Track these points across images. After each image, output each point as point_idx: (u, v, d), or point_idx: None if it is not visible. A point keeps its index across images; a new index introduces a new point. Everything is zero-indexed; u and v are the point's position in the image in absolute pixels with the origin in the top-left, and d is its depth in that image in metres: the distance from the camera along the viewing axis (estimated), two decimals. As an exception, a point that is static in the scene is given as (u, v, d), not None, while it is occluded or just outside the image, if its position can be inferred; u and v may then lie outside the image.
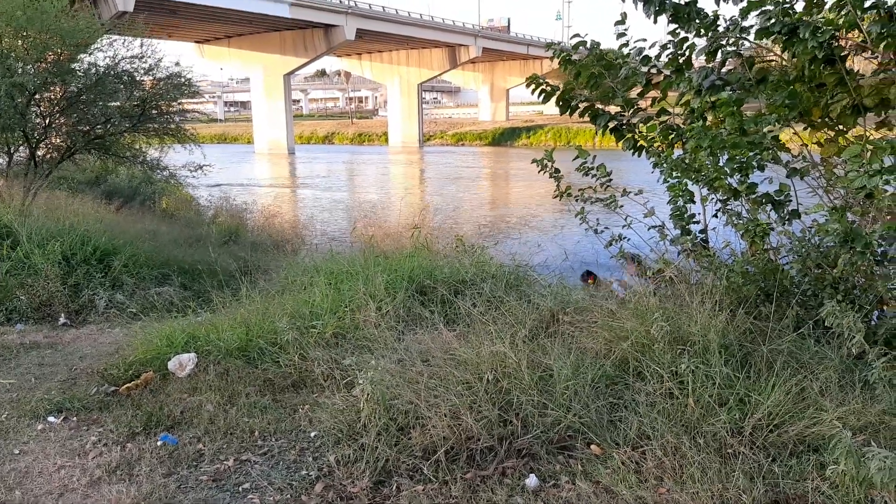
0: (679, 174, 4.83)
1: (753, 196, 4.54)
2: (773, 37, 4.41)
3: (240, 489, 2.74)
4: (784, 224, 4.45)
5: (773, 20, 4.31)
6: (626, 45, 5.12)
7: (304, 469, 2.88)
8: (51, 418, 3.37)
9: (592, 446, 2.95)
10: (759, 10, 4.37)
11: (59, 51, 9.51)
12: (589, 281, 6.49)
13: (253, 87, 57.27)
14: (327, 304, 4.62)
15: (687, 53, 4.87)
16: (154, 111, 10.31)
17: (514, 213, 20.01)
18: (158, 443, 3.08)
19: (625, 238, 5.22)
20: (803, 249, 4.10)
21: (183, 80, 10.60)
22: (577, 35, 5.43)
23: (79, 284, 5.75)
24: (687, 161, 4.76)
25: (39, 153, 10.02)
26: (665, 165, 4.93)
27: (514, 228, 15.54)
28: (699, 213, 4.97)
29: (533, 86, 5.90)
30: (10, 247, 6.05)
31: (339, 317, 4.39)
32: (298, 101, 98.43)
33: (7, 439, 3.14)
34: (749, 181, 4.52)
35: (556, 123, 63.59)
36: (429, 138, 67.30)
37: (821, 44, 4.14)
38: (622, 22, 5.10)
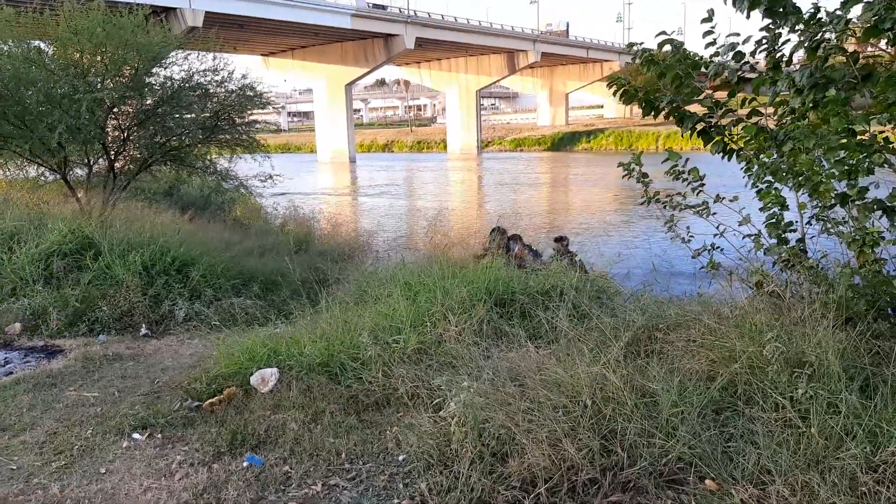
0: (775, 178, 4.51)
1: (863, 202, 4.19)
2: (881, 34, 4.05)
3: (329, 517, 2.60)
4: (896, 232, 4.08)
5: (878, 16, 3.95)
6: (713, 43, 4.82)
7: (396, 497, 2.73)
8: (136, 435, 3.33)
9: (707, 481, 2.70)
10: (861, 2, 4.02)
11: (136, 65, 9.76)
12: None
13: (316, 97, 58.42)
14: (407, 317, 4.48)
15: (785, 50, 4.55)
16: (226, 123, 10.47)
17: (578, 220, 19.59)
18: (244, 464, 2.99)
19: (718, 248, 4.92)
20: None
21: (253, 92, 10.73)
22: (663, 32, 5.14)
23: (159, 295, 5.81)
24: (785, 164, 4.44)
25: (118, 165, 10.29)
26: (759, 169, 4.62)
27: (581, 235, 15.15)
28: (796, 222, 4.63)
29: (615, 87, 5.63)
30: (93, 258, 6.16)
31: (419, 331, 4.25)
32: (359, 110, 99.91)
33: (93, 458, 3.11)
34: (859, 185, 4.18)
35: (618, 127, 62.50)
36: (487, 144, 67.19)
37: (942, 37, 3.77)
38: (709, 19, 4.81)
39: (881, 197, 4.13)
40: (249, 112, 11.30)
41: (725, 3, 4.63)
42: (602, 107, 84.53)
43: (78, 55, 9.53)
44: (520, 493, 2.65)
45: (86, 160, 10.31)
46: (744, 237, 4.81)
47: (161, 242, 6.43)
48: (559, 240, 7.84)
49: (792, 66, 4.65)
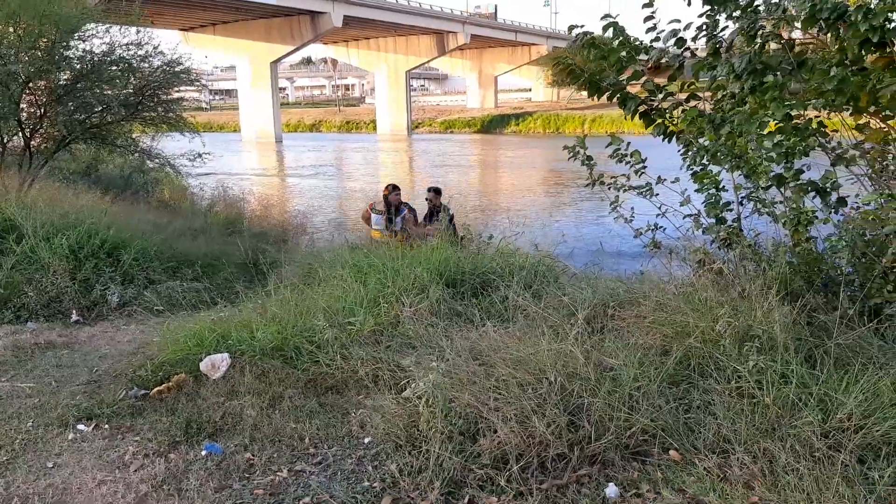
0: (713, 161, 4.69)
1: (798, 183, 4.40)
2: (818, 23, 4.23)
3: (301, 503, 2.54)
4: (830, 213, 4.31)
5: (818, 6, 4.12)
6: (654, 28, 4.93)
7: (366, 480, 2.69)
8: (80, 426, 3.14)
9: (671, 452, 2.78)
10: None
11: (52, 37, 9.15)
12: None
13: (239, 75, 56.50)
14: (359, 298, 4.41)
15: (724, 35, 4.70)
16: (151, 99, 9.98)
17: (515, 202, 19.81)
18: (203, 452, 2.87)
19: (661, 227, 5.07)
20: (851, 238, 3.95)
21: (181, 67, 10.27)
22: (608, 15, 5.22)
23: (88, 280, 5.50)
24: (725, 147, 4.61)
25: (34, 143, 9.66)
26: (698, 152, 4.79)
27: (519, 217, 15.30)
28: (732, 202, 4.82)
29: (561, 65, 5.67)
30: (15, 241, 5.77)
31: (373, 313, 4.19)
32: (284, 88, 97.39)
33: (37, 451, 2.92)
34: (794, 168, 4.38)
35: (546, 111, 63.42)
36: (417, 126, 66.89)
37: (873, 27, 3.97)
38: (650, 4, 4.90)
39: (814, 179, 4.35)
40: (175, 88, 10.82)
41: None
42: (530, 90, 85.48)
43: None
44: (491, 471, 2.66)
45: (-2, 138, 9.63)
46: (684, 217, 4.98)
47: (88, 224, 6.07)
48: (433, 190, 7.58)
49: (731, 52, 4.80)
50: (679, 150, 5.04)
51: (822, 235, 4.30)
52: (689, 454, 2.73)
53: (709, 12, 4.66)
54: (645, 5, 4.92)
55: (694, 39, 4.85)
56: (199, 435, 3.03)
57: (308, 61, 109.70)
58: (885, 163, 4.37)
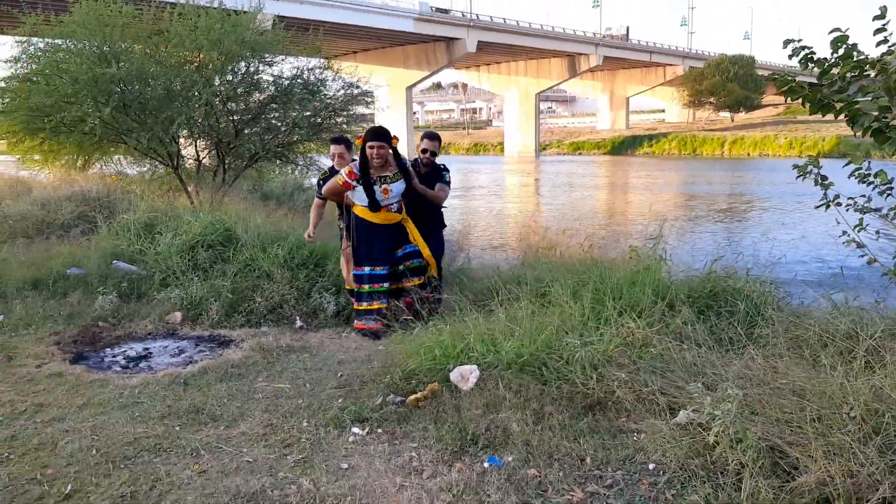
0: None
1: None
2: None
3: (610, 528, 2.43)
4: None
5: None
6: (885, 41, 4.52)
7: (670, 508, 2.54)
8: (355, 429, 3.22)
9: None
10: None
11: (249, 61, 9.88)
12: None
13: (377, 99, 58.84)
14: (584, 318, 4.30)
15: None
16: (334, 120, 10.52)
17: (671, 223, 19.04)
18: (486, 464, 2.84)
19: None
20: None
21: (359, 91, 10.76)
22: (836, 30, 4.85)
23: (303, 288, 5.75)
24: None
25: (228, 160, 10.43)
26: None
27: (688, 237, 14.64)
28: None
29: (780, 83, 5.34)
30: (235, 251, 6.17)
31: (607, 333, 4.05)
32: (415, 112, 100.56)
33: (327, 452, 3.01)
34: None
35: (681, 132, 61.24)
36: (545, 147, 66.71)
37: None
38: (882, 16, 4.50)
39: None
40: (351, 111, 11.34)
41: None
42: (664, 111, 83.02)
43: (194, 52, 9.68)
44: (814, 512, 2.43)
45: (196, 155, 10.48)
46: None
47: (298, 235, 6.39)
48: (430, 137, 5.58)
49: None
50: None
51: None
52: None
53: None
54: (876, 17, 4.54)
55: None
56: (474, 446, 3.01)
57: (438, 86, 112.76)
58: None
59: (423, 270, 5.27)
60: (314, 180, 12.33)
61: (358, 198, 5.06)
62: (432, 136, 5.59)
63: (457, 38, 51.53)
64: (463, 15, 52.10)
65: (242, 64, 9.72)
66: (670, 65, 69.41)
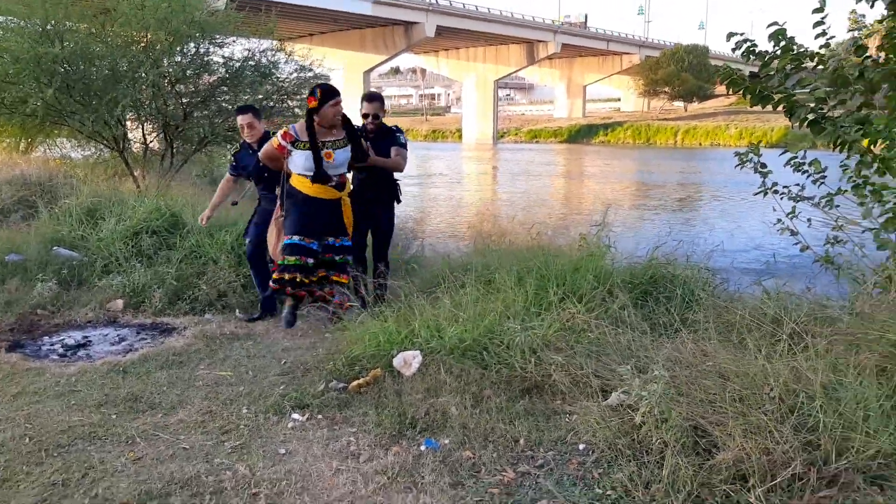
0: (883, 173, 4.46)
1: None
2: None
3: (541, 506, 2.52)
4: None
5: None
6: (824, 34, 4.71)
7: (597, 487, 2.64)
8: (295, 415, 3.25)
9: (923, 481, 2.60)
10: None
11: (199, 42, 9.67)
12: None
13: (334, 83, 58.16)
14: (528, 303, 4.39)
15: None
16: (287, 104, 10.40)
17: (627, 212, 19.40)
18: (423, 447, 2.90)
19: (841, 241, 4.83)
20: None
21: (312, 73, 10.65)
22: (774, 23, 5.02)
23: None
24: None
25: (176, 144, 10.22)
26: (875, 163, 4.54)
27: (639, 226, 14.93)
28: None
29: (721, 76, 5.51)
30: (181, 236, 6.08)
31: (549, 317, 4.15)
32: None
33: (265, 438, 3.03)
34: None
35: (636, 121, 62.16)
36: (502, 135, 66.94)
37: None
38: (820, 10, 4.68)
39: None
40: (304, 95, 11.20)
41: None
42: (619, 100, 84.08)
43: (141, 32, 9.43)
44: (730, 487, 2.56)
45: (143, 138, 10.24)
46: (863, 231, 4.71)
47: (243, 222, 6.33)
48: (372, 99, 5.08)
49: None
50: (841, 162, 4.82)
51: None
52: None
53: (891, 16, 4.42)
54: (815, 10, 4.72)
55: (878, 49, 4.62)
56: (411, 430, 3.07)
57: (396, 71, 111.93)
58: None
59: (345, 268, 4.70)
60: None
61: (294, 164, 4.52)
62: (372, 98, 5.06)
63: (416, 23, 51.16)
64: (422, -1, 51.75)
65: (192, 45, 9.51)
66: (627, 53, 70.27)
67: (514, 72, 68.80)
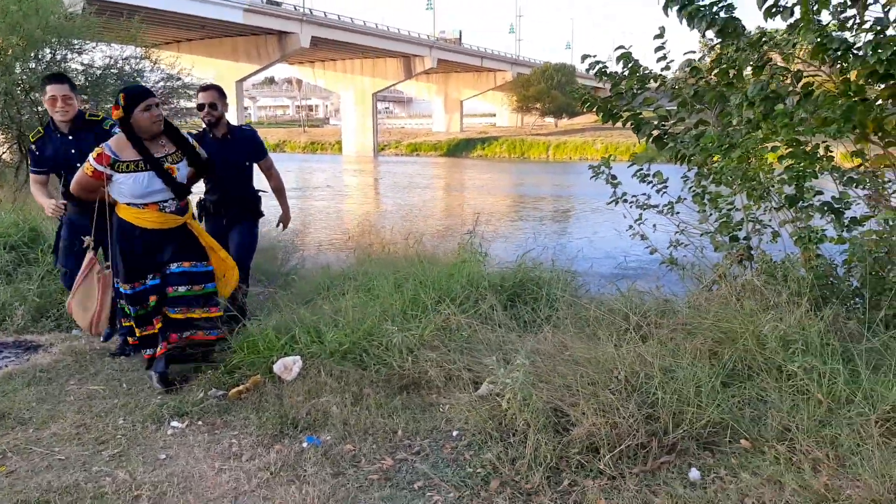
0: (719, 183, 5.08)
1: (810, 204, 4.77)
2: (826, 53, 4.63)
3: (415, 487, 2.72)
4: (843, 231, 4.67)
5: (824, 41, 4.49)
6: (664, 58, 5.31)
7: (468, 466, 2.89)
8: (175, 423, 3.26)
9: (742, 441, 3.06)
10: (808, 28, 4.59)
11: (55, 48, 9.17)
12: None
13: (204, 92, 55.98)
14: (404, 307, 4.61)
15: (738, 67, 5.07)
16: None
17: (502, 222, 20.16)
18: (304, 444, 3.03)
19: (682, 244, 5.42)
20: (863, 256, 4.32)
21: (180, 83, 10.37)
22: (621, 47, 5.59)
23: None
24: (739, 170, 4.96)
25: (32, 155, 9.58)
26: (711, 175, 5.15)
27: (513, 234, 15.60)
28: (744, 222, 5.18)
29: (577, 95, 6.03)
30: (42, 251, 5.79)
31: (425, 319, 4.39)
32: (247, 108, 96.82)
33: (144, 445, 3.03)
34: (807, 189, 4.75)
35: (511, 136, 64.52)
36: (383, 148, 67.22)
37: (881, 60, 4.37)
38: (660, 36, 5.28)
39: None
40: (173, 104, 10.89)
41: (682, 23, 5.13)
42: (495, 115, 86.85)
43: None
44: (584, 458, 2.89)
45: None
46: (701, 235, 5.34)
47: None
48: (211, 89, 4.60)
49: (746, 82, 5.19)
50: (682, 174, 5.46)
51: (829, 254, 4.67)
52: (757, 443, 3.01)
53: (719, 44, 5.07)
54: (656, 36, 5.32)
55: (709, 71, 5.26)
56: (293, 430, 3.19)
57: (271, 81, 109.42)
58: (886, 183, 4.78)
59: (213, 298, 3.96)
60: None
61: (118, 193, 3.58)
62: (207, 87, 4.57)
63: (290, 33, 50.39)
64: (296, 9, 51.01)
65: (47, 50, 8.98)
66: (500, 70, 72.88)
67: (392, 85, 69.37)
